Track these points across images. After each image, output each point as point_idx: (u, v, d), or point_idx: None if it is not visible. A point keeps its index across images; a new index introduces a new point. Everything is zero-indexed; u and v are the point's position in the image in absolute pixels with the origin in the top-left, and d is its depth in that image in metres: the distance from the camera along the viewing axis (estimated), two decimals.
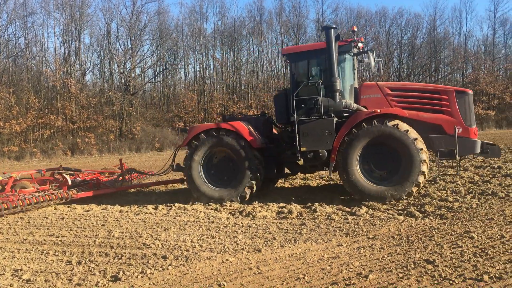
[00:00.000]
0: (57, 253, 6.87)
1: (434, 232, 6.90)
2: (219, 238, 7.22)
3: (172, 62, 47.74)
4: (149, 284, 5.32)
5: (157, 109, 45.75)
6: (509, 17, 61.93)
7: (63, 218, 9.53)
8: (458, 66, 46.96)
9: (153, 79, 47.54)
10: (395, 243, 6.48)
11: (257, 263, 5.89)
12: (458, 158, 9.68)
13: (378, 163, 9.43)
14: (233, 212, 9.32)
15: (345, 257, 5.96)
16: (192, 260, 6.12)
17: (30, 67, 42.74)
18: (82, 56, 44.86)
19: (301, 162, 10.37)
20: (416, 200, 9.28)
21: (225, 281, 5.26)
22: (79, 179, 12.52)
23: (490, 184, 10.68)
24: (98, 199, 11.63)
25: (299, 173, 11.64)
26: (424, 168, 9.00)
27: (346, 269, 5.46)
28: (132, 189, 13.30)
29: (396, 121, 9.21)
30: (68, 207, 10.79)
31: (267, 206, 9.62)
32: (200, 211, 9.48)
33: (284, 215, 8.76)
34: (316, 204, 9.38)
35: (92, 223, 8.90)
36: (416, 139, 9.00)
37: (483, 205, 8.59)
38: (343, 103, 9.73)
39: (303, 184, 12.99)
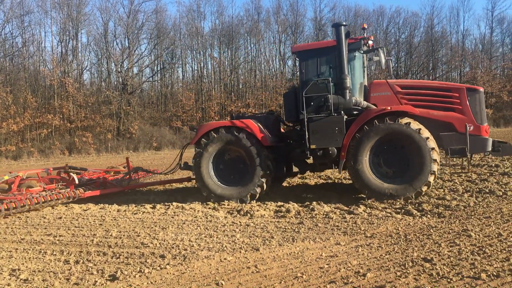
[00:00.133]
0: (54, 253, 6.85)
1: (432, 231, 6.92)
2: (217, 237, 7.22)
3: (170, 61, 47.74)
4: (147, 283, 5.32)
5: (154, 108, 45.70)
6: (507, 16, 62.22)
7: (60, 218, 9.50)
8: (456, 64, 47.10)
9: (151, 78, 47.54)
10: (393, 241, 6.49)
11: (255, 262, 5.89)
12: (469, 156, 9.60)
13: (388, 161, 9.36)
14: (231, 211, 9.32)
15: (343, 255, 5.96)
16: (190, 259, 6.11)
17: (27, 66, 42.63)
18: (79, 55, 44.80)
19: (310, 160, 10.31)
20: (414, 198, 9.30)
21: (223, 280, 5.25)
22: (86, 178, 12.41)
23: (488, 182, 10.71)
24: (96, 198, 11.60)
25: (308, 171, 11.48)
26: (435, 167, 8.93)
27: (344, 267, 5.47)
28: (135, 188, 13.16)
29: (408, 120, 9.14)
30: (66, 206, 10.76)
31: (265, 205, 9.61)
32: (198, 210, 9.47)
33: (282, 214, 8.76)
34: (314, 203, 9.38)
35: (90, 223, 8.88)
36: (428, 138, 8.93)
37: (481, 203, 8.61)
38: (353, 101, 9.69)
39: (301, 183, 13.00)
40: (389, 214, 8.18)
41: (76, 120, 39.96)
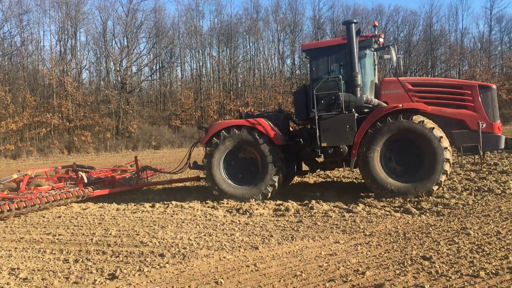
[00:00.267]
0: (54, 252, 6.85)
1: (430, 229, 6.92)
2: (216, 236, 7.22)
3: (169, 60, 47.71)
4: (147, 282, 5.32)
5: (153, 107, 45.72)
6: (505, 14, 61.99)
7: (60, 217, 9.50)
8: (455, 63, 47.09)
9: (150, 77, 47.50)
10: (392, 240, 6.50)
11: (254, 260, 5.90)
12: (481, 153, 9.54)
13: (400, 159, 9.32)
14: (230, 210, 9.32)
15: (342, 254, 5.97)
16: (189, 257, 6.11)
17: (26, 65, 42.58)
18: (78, 54, 44.81)
19: (320, 159, 10.25)
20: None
21: (222, 278, 5.26)
22: (94, 176, 12.32)
23: (487, 180, 10.71)
24: (95, 197, 11.59)
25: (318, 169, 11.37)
26: (447, 167, 8.89)
27: (343, 266, 5.47)
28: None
29: (422, 118, 9.08)
30: (65, 205, 10.75)
31: (264, 203, 9.62)
32: (197, 209, 9.47)
33: (281, 212, 8.77)
34: (313, 201, 9.39)
35: (89, 221, 8.88)
36: (441, 137, 8.87)
37: (480, 201, 8.61)
38: (364, 98, 9.63)
39: (300, 181, 13.00)
40: (388, 213, 8.19)
41: (75, 119, 39.94)
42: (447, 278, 4.87)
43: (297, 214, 8.58)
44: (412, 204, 8.61)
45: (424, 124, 8.93)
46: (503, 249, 5.71)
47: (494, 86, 9.71)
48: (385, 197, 9.18)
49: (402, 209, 8.37)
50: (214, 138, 10.32)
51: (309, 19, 51.50)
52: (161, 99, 46.41)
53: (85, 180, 11.43)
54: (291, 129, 11.45)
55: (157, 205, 10.10)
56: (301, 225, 7.66)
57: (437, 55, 48.56)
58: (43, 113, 39.03)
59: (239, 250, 6.37)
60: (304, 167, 11.29)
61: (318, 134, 9.78)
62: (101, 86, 43.96)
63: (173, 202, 10.17)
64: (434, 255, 5.63)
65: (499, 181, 10.47)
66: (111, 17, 45.97)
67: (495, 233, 6.42)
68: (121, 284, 5.29)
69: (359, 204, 8.91)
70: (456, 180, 11.02)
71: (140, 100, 45.36)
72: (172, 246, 6.72)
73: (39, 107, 39.67)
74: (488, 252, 5.64)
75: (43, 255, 6.71)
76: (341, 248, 6.24)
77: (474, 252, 5.68)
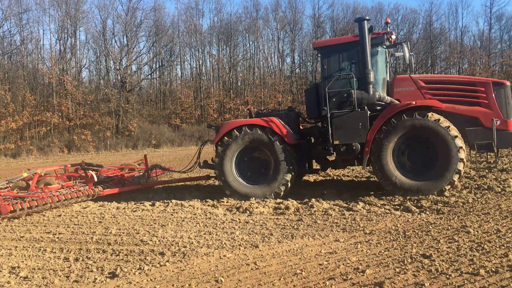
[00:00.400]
0: (54, 250, 6.85)
1: (430, 227, 6.93)
2: (216, 234, 7.23)
3: (168, 59, 47.74)
4: (147, 281, 5.33)
5: (153, 106, 45.74)
6: (505, 12, 62.11)
7: (60, 215, 9.50)
8: (454, 61, 47.05)
9: (149, 76, 47.50)
10: (392, 238, 6.50)
11: (254, 258, 5.90)
12: (496, 151, 9.49)
13: (413, 157, 9.27)
14: (230, 208, 9.32)
15: (342, 252, 5.97)
16: (189, 256, 6.12)
17: (25, 64, 42.61)
18: (77, 53, 44.86)
19: (332, 157, 10.19)
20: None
21: (222, 277, 5.26)
22: (103, 175, 12.23)
23: (486, 179, 10.73)
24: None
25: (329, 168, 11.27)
26: (460, 167, 8.84)
27: (343, 264, 5.48)
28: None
29: (437, 116, 9.01)
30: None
31: (264, 202, 9.62)
32: (197, 208, 9.47)
33: (281, 211, 8.77)
34: (313, 199, 9.40)
35: (89, 220, 8.88)
36: (456, 136, 8.82)
37: (479, 199, 8.62)
38: (377, 96, 9.59)
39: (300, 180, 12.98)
40: (388, 211, 8.19)
41: (75, 118, 39.96)
42: (447, 276, 4.88)
43: (297, 213, 8.59)
44: (412, 202, 8.62)
45: (439, 123, 8.87)
46: (503, 247, 5.71)
47: (508, 83, 9.63)
48: (397, 194, 9.16)
49: (402, 207, 8.37)
50: (225, 137, 10.28)
51: (309, 18, 51.59)
52: (161, 98, 46.42)
53: (95, 179, 11.34)
54: (301, 127, 11.42)
55: (157, 203, 10.10)
56: (301, 224, 7.67)
57: (437, 53, 48.55)
58: (43, 112, 39.07)
59: (239, 249, 6.37)
60: (315, 166, 11.25)
61: (330, 132, 9.71)
62: (101, 85, 44.02)
63: (173, 201, 10.17)
64: (434, 253, 5.63)
65: (499, 179, 10.47)
66: (110, 16, 46.03)
67: (495, 231, 6.43)
68: (122, 282, 5.30)
69: (359, 202, 8.92)
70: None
71: (140, 98, 45.37)
72: (172, 245, 6.73)
73: (39, 106, 39.70)
74: (488, 250, 5.65)
75: (44, 254, 6.71)
76: (341, 246, 6.25)
77: (474, 250, 5.68)
